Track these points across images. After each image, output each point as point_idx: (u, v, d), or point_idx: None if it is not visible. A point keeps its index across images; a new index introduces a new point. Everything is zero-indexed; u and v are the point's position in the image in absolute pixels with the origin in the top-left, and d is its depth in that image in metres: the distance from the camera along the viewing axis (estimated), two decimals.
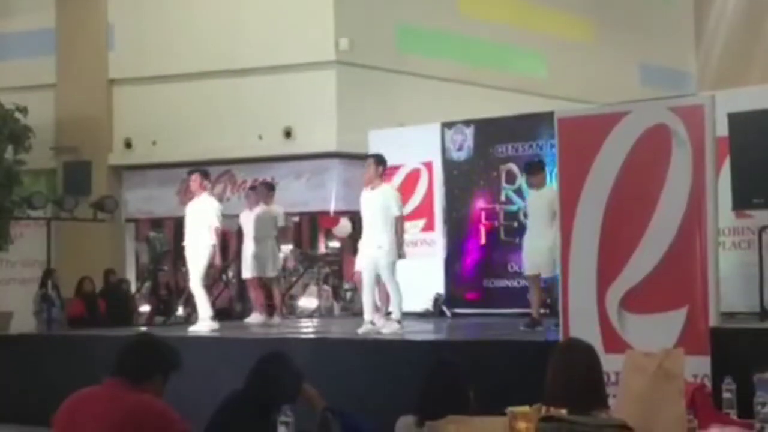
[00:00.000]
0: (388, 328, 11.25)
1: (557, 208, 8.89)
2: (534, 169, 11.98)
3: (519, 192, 13.90)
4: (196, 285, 12.74)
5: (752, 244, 10.50)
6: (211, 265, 12.96)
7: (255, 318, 13.92)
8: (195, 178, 12.93)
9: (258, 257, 13.68)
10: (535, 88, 20.32)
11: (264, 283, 14.03)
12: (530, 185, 12.30)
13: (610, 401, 4.90)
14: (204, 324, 12.68)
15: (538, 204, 11.53)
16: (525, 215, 12.56)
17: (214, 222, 12.63)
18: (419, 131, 15.21)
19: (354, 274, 14.17)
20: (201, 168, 13.49)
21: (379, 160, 11.54)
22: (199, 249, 12.64)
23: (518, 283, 13.58)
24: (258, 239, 13.68)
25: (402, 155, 14.57)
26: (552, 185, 11.35)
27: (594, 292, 8.19)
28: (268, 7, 18.78)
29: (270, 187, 14.53)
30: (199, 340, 12.01)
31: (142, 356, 4.88)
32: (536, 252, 11.37)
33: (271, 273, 13.85)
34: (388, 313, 11.72)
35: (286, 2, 18.71)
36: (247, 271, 13.89)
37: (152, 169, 19.81)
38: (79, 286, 16.99)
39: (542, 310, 11.64)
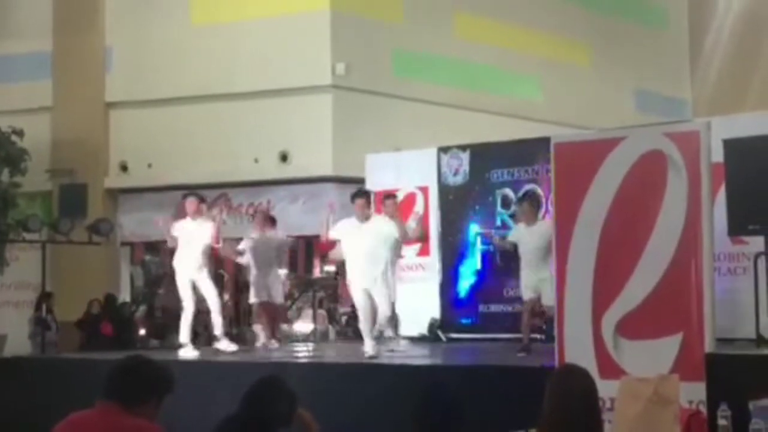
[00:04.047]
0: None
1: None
2: (532, 202, 12.03)
3: (515, 217, 13.88)
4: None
5: (748, 271, 10.48)
6: None
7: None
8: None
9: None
10: (531, 113, 20.35)
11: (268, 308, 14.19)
12: (517, 219, 12.33)
13: (606, 427, 4.88)
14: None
15: (534, 240, 11.51)
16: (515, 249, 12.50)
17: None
18: (415, 156, 15.21)
19: None
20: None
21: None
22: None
23: (513, 308, 13.54)
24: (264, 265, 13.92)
25: (398, 180, 14.59)
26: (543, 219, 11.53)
27: (589, 317, 8.18)
28: (265, 31, 18.81)
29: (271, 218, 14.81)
30: (194, 364, 11.97)
31: (135, 379, 4.75)
32: (540, 282, 11.34)
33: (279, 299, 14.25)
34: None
35: (282, 27, 18.73)
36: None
37: (148, 192, 19.78)
38: (89, 309, 17.02)
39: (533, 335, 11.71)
